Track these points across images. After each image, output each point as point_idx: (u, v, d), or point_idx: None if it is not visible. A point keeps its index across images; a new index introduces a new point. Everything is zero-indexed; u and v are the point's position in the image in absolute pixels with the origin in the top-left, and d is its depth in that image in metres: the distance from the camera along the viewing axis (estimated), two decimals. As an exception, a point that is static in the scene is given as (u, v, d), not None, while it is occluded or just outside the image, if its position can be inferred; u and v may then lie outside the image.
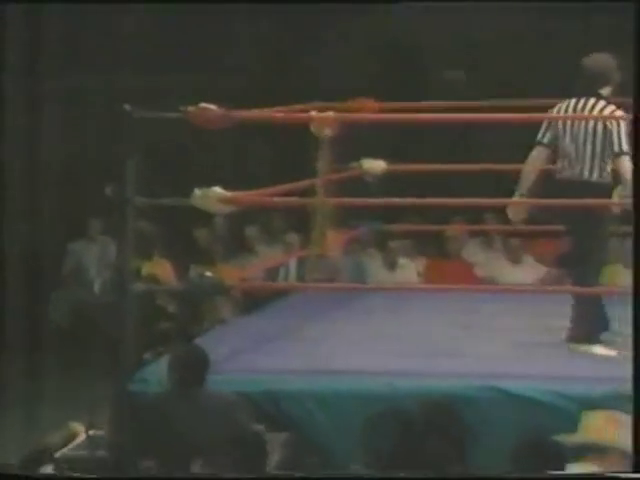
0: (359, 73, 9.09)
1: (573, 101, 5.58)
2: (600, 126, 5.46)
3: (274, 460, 4.55)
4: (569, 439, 4.14)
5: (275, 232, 9.28)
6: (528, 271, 8.51)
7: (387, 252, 8.64)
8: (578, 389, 4.78)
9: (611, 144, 5.44)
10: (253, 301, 7.39)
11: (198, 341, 5.78)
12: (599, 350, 5.44)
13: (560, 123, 5.55)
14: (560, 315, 5.86)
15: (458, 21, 9.29)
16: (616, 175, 5.46)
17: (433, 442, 4.44)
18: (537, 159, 5.60)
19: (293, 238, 8.76)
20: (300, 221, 7.85)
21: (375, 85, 6.56)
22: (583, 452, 4.09)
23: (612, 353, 5.37)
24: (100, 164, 7.43)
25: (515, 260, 8.61)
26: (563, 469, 4.04)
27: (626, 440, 4.14)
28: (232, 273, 6.23)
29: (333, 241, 5.86)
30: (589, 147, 5.49)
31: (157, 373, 5.13)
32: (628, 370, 4.99)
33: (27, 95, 9.71)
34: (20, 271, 9.19)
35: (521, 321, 6.08)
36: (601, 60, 5.58)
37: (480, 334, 5.88)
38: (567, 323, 5.67)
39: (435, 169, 6.85)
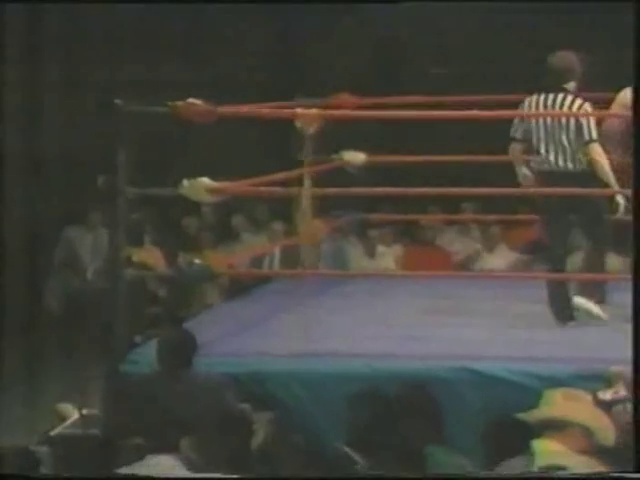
0: (342, 69, 9.09)
1: (542, 96, 5.67)
2: (572, 119, 5.61)
3: (259, 438, 4.57)
4: (530, 415, 4.19)
5: (260, 221, 9.30)
6: (501, 258, 8.56)
7: (367, 240, 8.68)
8: (545, 369, 4.82)
9: (582, 134, 5.60)
10: (239, 287, 7.41)
11: (186, 325, 5.80)
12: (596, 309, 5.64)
13: (533, 117, 5.65)
14: (530, 299, 5.93)
15: (442, 18, 9.30)
16: (593, 163, 5.62)
17: (409, 420, 4.48)
18: (514, 155, 5.74)
19: (278, 227, 8.79)
20: (284, 210, 7.89)
21: (358, 80, 6.58)
22: (545, 428, 4.13)
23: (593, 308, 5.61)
24: (93, 155, 7.44)
25: (490, 248, 8.66)
26: (528, 445, 4.08)
27: (586, 417, 4.19)
28: (219, 260, 6.26)
29: (317, 230, 5.90)
30: (564, 138, 5.63)
31: (147, 355, 5.14)
32: (594, 351, 5.06)
33: (25, 86, 9.69)
34: (16, 257, 9.19)
35: (493, 305, 6.12)
36: (566, 57, 5.70)
37: (454, 318, 5.92)
38: (536, 307, 5.77)
39: (413, 160, 6.88)
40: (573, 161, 5.65)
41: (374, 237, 8.61)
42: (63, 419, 5.07)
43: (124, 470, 4.05)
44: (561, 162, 5.64)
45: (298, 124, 5.71)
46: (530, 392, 4.59)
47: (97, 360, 5.46)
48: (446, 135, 7.08)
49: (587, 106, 5.63)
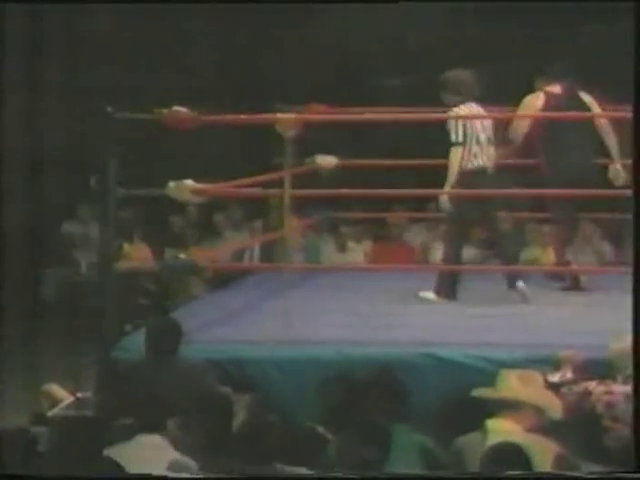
0: (309, 77, 9.08)
1: (467, 106, 5.93)
2: (488, 123, 5.96)
3: (240, 419, 4.60)
4: (486, 392, 4.22)
5: (240, 219, 9.32)
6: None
7: (338, 237, 8.71)
8: (500, 353, 4.87)
9: (492, 136, 5.98)
10: (222, 279, 7.43)
11: (174, 314, 5.82)
12: (430, 296, 5.98)
13: (468, 123, 5.90)
14: (486, 290, 6.00)
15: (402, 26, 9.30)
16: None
17: (375, 401, 4.52)
18: (459, 158, 5.89)
19: (257, 224, 8.80)
20: (261, 209, 7.91)
21: (322, 89, 6.61)
22: (500, 408, 4.17)
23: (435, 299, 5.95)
24: (85, 156, 7.43)
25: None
26: (483, 423, 4.11)
27: (538, 397, 4.24)
28: (202, 255, 6.28)
29: (292, 227, 5.93)
30: (486, 140, 5.95)
31: (136, 342, 5.16)
32: (548, 336, 5.12)
33: (26, 89, 9.67)
34: (16, 251, 9.16)
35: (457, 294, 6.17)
36: (461, 74, 5.98)
37: (418, 308, 5.97)
38: (492, 296, 5.92)
39: (381, 164, 6.93)
40: (489, 159, 5.98)
41: (345, 234, 8.65)
42: (52, 399, 5.08)
43: (115, 448, 4.07)
44: (487, 161, 5.95)
45: (278, 129, 5.75)
46: (485, 374, 4.65)
47: (90, 347, 5.47)
48: (411, 140, 7.10)
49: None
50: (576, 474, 3.66)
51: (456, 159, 5.88)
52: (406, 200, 8.10)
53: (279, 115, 5.71)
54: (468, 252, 8.60)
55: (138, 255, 8.35)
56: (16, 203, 9.65)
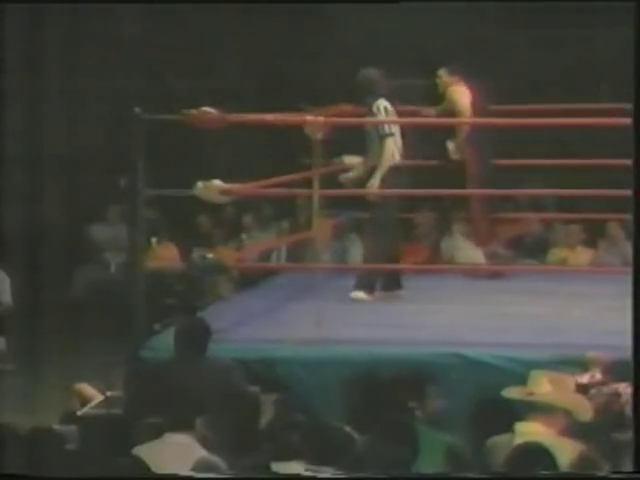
0: (336, 77, 9.08)
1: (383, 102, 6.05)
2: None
3: (267, 417, 4.63)
4: (516, 395, 4.21)
5: (267, 219, 9.35)
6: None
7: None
8: (527, 354, 4.87)
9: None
10: (249, 280, 7.46)
11: (202, 314, 5.85)
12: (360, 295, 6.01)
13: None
14: (511, 290, 6.01)
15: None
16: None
17: (401, 401, 4.54)
18: (391, 149, 6.05)
19: (284, 225, 8.83)
20: (289, 209, 7.94)
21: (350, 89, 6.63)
22: (530, 410, 4.16)
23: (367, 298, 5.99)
24: (115, 157, 7.49)
25: (477, 243, 8.68)
26: (513, 425, 4.11)
27: (568, 400, 4.23)
28: (230, 255, 6.32)
29: (321, 227, 5.95)
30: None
31: (165, 341, 5.20)
32: (574, 337, 5.11)
33: (56, 93, 9.75)
34: (46, 251, 9.24)
35: (480, 296, 6.18)
36: (369, 73, 6.13)
37: (443, 307, 5.97)
38: (517, 297, 5.93)
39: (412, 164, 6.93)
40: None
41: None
42: (82, 398, 5.13)
43: (144, 447, 4.11)
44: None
45: (307, 130, 5.78)
46: (512, 375, 4.65)
47: (119, 346, 5.52)
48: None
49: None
50: (576, 474, 3.65)
51: (389, 150, 6.00)
52: (433, 200, 8.10)
53: (308, 117, 5.73)
54: (495, 251, 8.62)
55: (166, 255, 8.40)
56: (46, 204, 9.74)
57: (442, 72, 6.70)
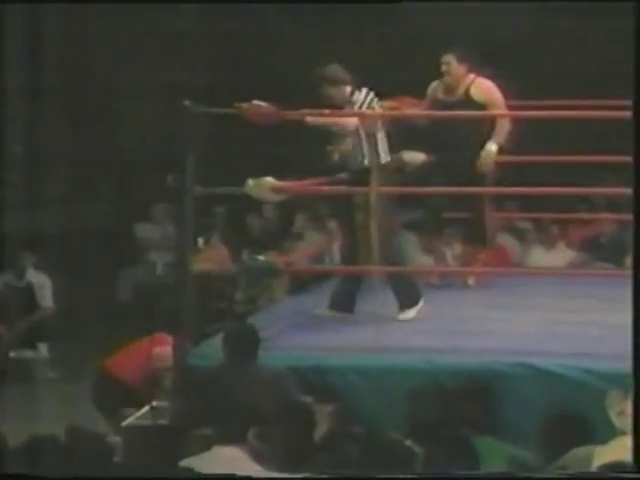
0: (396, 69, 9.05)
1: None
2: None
3: (322, 430, 4.60)
4: (611, 410, 4.08)
5: (322, 219, 9.31)
6: (559, 256, 8.49)
7: (424, 238, 8.63)
8: (604, 366, 4.77)
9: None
10: (303, 282, 7.43)
11: (251, 319, 5.83)
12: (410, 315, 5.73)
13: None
14: (587, 296, 5.88)
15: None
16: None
17: (466, 413, 4.48)
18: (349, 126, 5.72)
19: (335, 225, 8.78)
20: (342, 209, 7.85)
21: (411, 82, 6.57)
22: (607, 429, 4.05)
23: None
24: (162, 154, 7.48)
25: (548, 245, 8.60)
26: (588, 444, 4.02)
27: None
28: (282, 257, 6.29)
29: (391, 226, 5.88)
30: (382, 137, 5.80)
31: (214, 348, 5.18)
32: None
33: (102, 89, 9.82)
34: (92, 251, 9.29)
35: (551, 301, 6.08)
36: (335, 69, 5.79)
37: (513, 314, 5.90)
38: (593, 303, 5.76)
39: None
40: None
41: (432, 235, 8.54)
42: (162, 361, 5.14)
43: (191, 460, 4.09)
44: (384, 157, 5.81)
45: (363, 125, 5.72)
46: (585, 387, 4.56)
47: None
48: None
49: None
50: (576, 474, 3.59)
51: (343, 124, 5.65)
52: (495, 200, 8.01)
53: (365, 111, 5.68)
54: (566, 255, 8.52)
55: (215, 257, 8.40)
56: (91, 203, 9.80)
57: (449, 58, 6.17)
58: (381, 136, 5.78)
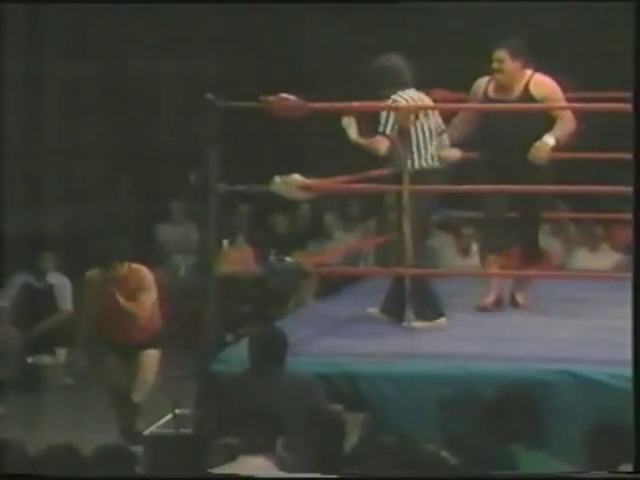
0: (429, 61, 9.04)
1: (407, 93, 5.72)
2: (433, 118, 5.77)
3: (353, 439, 4.57)
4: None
5: (352, 219, 9.29)
6: (604, 258, 8.42)
7: (460, 238, 8.59)
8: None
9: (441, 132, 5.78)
10: (333, 285, 7.41)
11: (279, 323, 5.81)
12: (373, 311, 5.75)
13: (412, 117, 5.67)
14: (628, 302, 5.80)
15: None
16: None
17: (505, 422, 4.44)
18: (381, 150, 5.67)
19: (370, 225, 8.76)
20: (376, 208, 7.84)
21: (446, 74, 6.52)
22: None
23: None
24: (186, 151, 7.49)
25: (592, 247, 8.53)
26: (631, 454, 3.97)
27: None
28: (310, 258, 6.26)
29: (423, 227, 5.85)
30: (432, 136, 5.74)
31: (238, 354, 5.16)
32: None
33: (122, 83, 9.86)
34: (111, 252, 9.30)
35: (594, 307, 6.03)
36: (388, 60, 5.77)
37: (553, 319, 5.85)
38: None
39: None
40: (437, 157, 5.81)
41: (468, 235, 8.51)
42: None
43: (216, 470, 4.07)
44: (431, 160, 5.77)
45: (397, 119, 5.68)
46: (631, 398, 4.50)
47: (188, 359, 5.51)
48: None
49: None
50: (576, 474, 3.56)
51: (375, 151, 5.64)
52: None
53: (396, 104, 5.65)
54: (610, 257, 8.45)
55: (240, 258, 8.40)
56: (111, 203, 9.83)
57: (502, 54, 5.91)
58: (422, 133, 5.72)
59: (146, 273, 6.15)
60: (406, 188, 5.62)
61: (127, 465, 3.89)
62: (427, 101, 5.85)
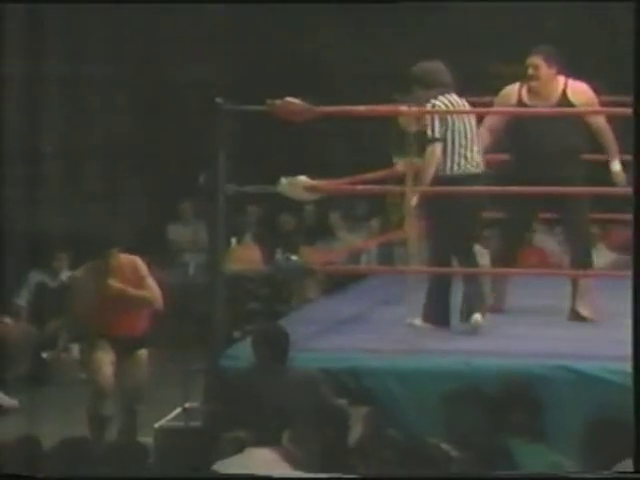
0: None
1: (447, 98, 5.63)
2: (470, 120, 5.64)
3: (356, 433, 4.60)
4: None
5: (357, 218, 9.32)
6: (600, 257, 8.43)
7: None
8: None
9: (476, 136, 5.63)
10: (338, 283, 7.45)
11: (285, 320, 5.85)
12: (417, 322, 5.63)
13: (450, 119, 5.57)
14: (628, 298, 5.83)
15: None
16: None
17: (507, 418, 4.47)
18: (438, 155, 5.57)
19: (374, 224, 8.79)
20: (380, 208, 7.88)
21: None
22: None
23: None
24: (195, 152, 7.52)
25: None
26: (629, 449, 3.99)
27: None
28: (316, 257, 6.30)
29: (413, 227, 5.89)
30: (474, 140, 5.63)
31: (246, 350, 5.19)
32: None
33: (132, 86, 9.88)
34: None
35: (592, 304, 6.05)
36: (429, 65, 5.68)
37: (552, 316, 5.88)
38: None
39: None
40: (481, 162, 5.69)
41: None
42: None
43: (224, 462, 4.11)
44: (476, 164, 5.65)
45: (401, 123, 5.71)
46: (630, 393, 4.52)
47: (197, 354, 5.54)
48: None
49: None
50: (577, 474, 3.57)
51: (434, 158, 5.51)
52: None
53: (402, 108, 5.68)
54: (607, 256, 8.47)
55: (248, 257, 8.44)
56: (120, 203, 9.85)
57: (537, 60, 5.77)
58: (464, 138, 5.61)
59: (139, 262, 6.09)
60: (409, 189, 5.65)
61: (138, 458, 3.93)
62: (467, 106, 5.73)
